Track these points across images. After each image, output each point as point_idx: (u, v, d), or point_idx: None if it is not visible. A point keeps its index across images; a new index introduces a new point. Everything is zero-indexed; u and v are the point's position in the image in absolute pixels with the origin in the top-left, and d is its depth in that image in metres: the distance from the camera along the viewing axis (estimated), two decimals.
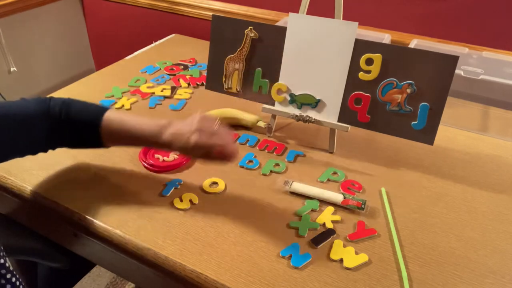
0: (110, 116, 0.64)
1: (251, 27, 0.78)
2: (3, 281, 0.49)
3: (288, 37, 0.76)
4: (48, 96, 0.69)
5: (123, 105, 0.94)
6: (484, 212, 0.68)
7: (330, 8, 0.74)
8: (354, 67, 0.73)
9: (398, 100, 0.71)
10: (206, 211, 0.66)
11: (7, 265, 0.50)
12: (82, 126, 0.64)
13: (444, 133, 0.88)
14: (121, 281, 1.38)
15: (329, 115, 0.77)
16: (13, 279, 0.51)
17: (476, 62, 0.95)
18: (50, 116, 0.62)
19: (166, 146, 0.62)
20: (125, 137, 0.64)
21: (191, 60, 1.17)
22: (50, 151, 0.66)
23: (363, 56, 0.71)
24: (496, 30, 1.00)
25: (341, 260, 0.58)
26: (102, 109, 0.65)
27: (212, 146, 0.59)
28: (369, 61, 0.71)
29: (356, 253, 0.59)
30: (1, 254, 0.51)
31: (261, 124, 0.85)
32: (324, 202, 0.68)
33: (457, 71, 0.83)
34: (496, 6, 0.98)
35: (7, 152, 0.61)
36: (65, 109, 0.63)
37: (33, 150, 0.64)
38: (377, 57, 0.70)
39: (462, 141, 0.86)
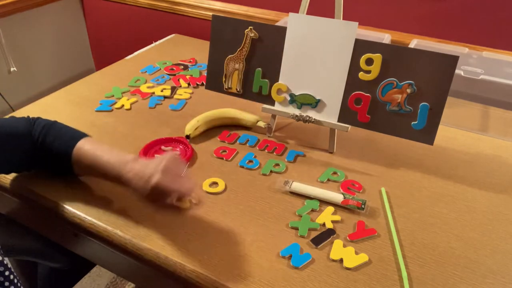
0: (81, 148, 0.62)
1: (251, 27, 0.78)
2: (1, 279, 0.49)
3: (288, 37, 0.76)
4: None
5: (123, 105, 0.94)
6: (484, 212, 0.68)
7: (330, 8, 0.74)
8: (354, 67, 0.73)
9: (398, 100, 0.71)
10: (206, 211, 0.66)
11: (5, 262, 0.50)
12: (54, 156, 0.64)
13: (444, 133, 0.88)
14: (121, 281, 1.38)
15: (329, 115, 0.77)
16: (11, 277, 0.51)
17: (476, 62, 0.95)
18: (31, 139, 0.64)
19: (127, 184, 0.58)
20: (93, 172, 0.62)
21: (191, 60, 1.17)
22: None
23: (363, 56, 0.71)
24: (496, 30, 1.00)
25: (341, 260, 0.58)
26: (75, 139, 0.64)
27: (172, 191, 0.55)
28: (369, 61, 0.71)
29: (356, 253, 0.59)
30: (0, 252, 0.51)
31: (261, 124, 0.85)
32: (324, 202, 0.68)
33: (457, 71, 0.83)
34: (497, 6, 0.98)
35: None
36: (43, 136, 0.64)
37: (18, 169, 0.67)
38: (377, 57, 0.70)
39: (462, 141, 0.86)
